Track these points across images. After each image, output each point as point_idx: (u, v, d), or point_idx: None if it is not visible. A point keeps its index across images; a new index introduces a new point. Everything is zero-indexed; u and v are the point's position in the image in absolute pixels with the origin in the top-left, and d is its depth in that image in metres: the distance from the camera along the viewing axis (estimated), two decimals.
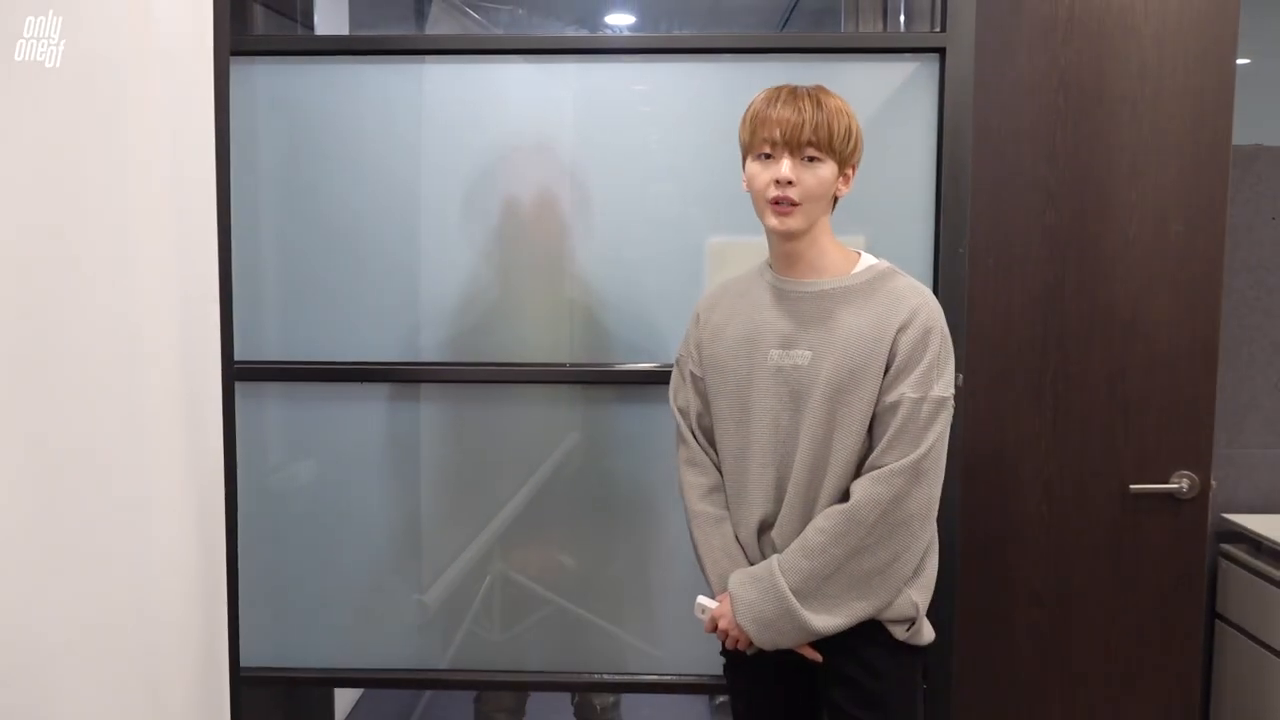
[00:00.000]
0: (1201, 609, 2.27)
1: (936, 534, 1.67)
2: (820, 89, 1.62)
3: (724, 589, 1.68)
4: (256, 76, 2.04)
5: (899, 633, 1.61)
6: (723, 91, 2.02)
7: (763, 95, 1.63)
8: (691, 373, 1.78)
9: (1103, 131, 2.17)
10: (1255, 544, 2.57)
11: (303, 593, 2.14)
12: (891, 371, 1.58)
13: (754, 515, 1.68)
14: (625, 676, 2.15)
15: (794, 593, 1.58)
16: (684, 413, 1.80)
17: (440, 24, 3.19)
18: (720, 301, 1.77)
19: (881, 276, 1.64)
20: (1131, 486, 2.22)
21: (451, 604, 2.15)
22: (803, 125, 1.57)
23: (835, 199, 1.66)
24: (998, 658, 2.29)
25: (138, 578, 1.59)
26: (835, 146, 1.59)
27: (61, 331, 1.42)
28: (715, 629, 1.69)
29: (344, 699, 3.27)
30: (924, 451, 1.56)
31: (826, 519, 1.59)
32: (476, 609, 2.16)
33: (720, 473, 1.76)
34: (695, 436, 1.78)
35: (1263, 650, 2.47)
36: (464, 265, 2.08)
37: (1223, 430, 2.58)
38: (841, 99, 1.63)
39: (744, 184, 1.67)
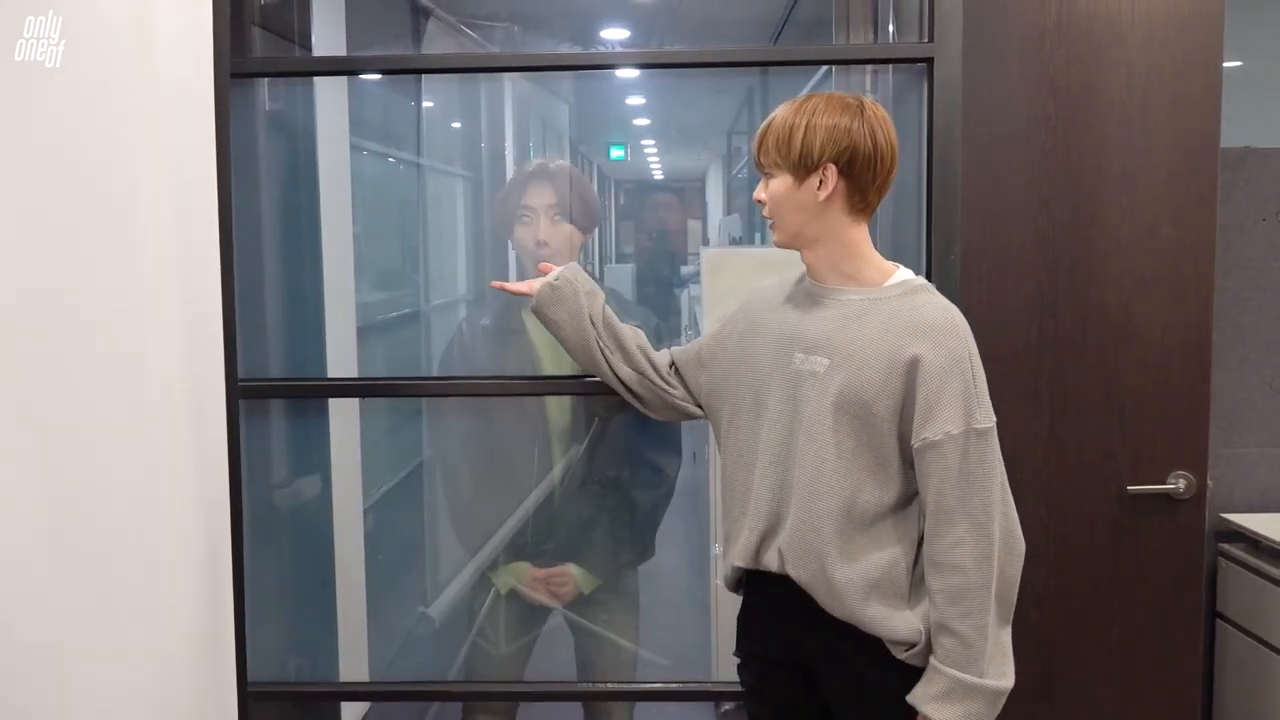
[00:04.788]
0: (1201, 608, 2.28)
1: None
2: (803, 98, 1.60)
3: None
4: (256, 96, 2.07)
5: (898, 652, 1.58)
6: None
7: None
8: (701, 350, 1.80)
9: (1093, 136, 2.20)
10: (1254, 543, 2.58)
11: (309, 607, 2.16)
12: (920, 404, 1.53)
13: (759, 518, 1.64)
14: (630, 685, 2.16)
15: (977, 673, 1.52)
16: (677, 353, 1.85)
17: (436, 43, 3.21)
18: (765, 296, 1.75)
19: (911, 292, 1.60)
20: (1129, 488, 2.24)
21: (456, 617, 2.17)
22: (756, 145, 1.62)
23: (859, 205, 1.59)
24: None
25: (144, 595, 1.60)
26: (776, 159, 1.59)
27: (65, 349, 1.43)
28: None
29: (351, 712, 3.28)
30: (988, 519, 1.51)
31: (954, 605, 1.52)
32: (482, 621, 2.18)
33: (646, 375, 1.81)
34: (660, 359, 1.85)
35: (1263, 648, 2.49)
36: (463, 278, 2.10)
37: (1219, 431, 2.59)
38: (815, 100, 1.58)
39: None
